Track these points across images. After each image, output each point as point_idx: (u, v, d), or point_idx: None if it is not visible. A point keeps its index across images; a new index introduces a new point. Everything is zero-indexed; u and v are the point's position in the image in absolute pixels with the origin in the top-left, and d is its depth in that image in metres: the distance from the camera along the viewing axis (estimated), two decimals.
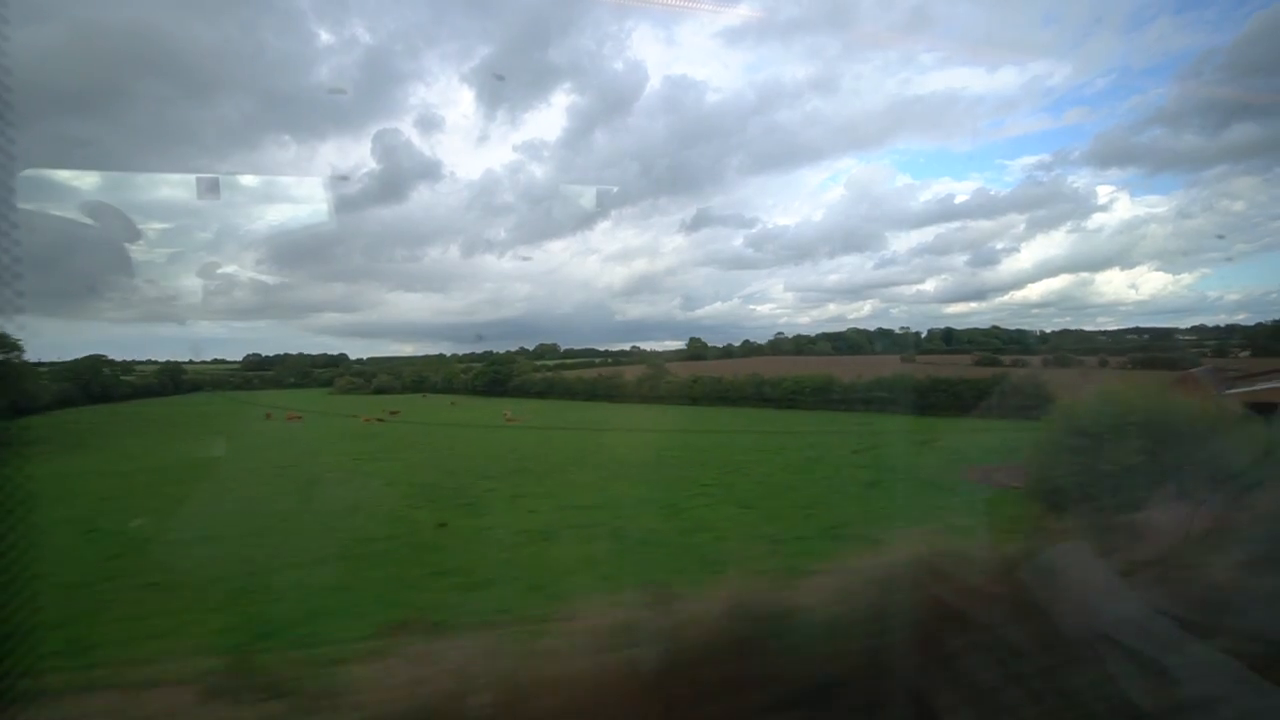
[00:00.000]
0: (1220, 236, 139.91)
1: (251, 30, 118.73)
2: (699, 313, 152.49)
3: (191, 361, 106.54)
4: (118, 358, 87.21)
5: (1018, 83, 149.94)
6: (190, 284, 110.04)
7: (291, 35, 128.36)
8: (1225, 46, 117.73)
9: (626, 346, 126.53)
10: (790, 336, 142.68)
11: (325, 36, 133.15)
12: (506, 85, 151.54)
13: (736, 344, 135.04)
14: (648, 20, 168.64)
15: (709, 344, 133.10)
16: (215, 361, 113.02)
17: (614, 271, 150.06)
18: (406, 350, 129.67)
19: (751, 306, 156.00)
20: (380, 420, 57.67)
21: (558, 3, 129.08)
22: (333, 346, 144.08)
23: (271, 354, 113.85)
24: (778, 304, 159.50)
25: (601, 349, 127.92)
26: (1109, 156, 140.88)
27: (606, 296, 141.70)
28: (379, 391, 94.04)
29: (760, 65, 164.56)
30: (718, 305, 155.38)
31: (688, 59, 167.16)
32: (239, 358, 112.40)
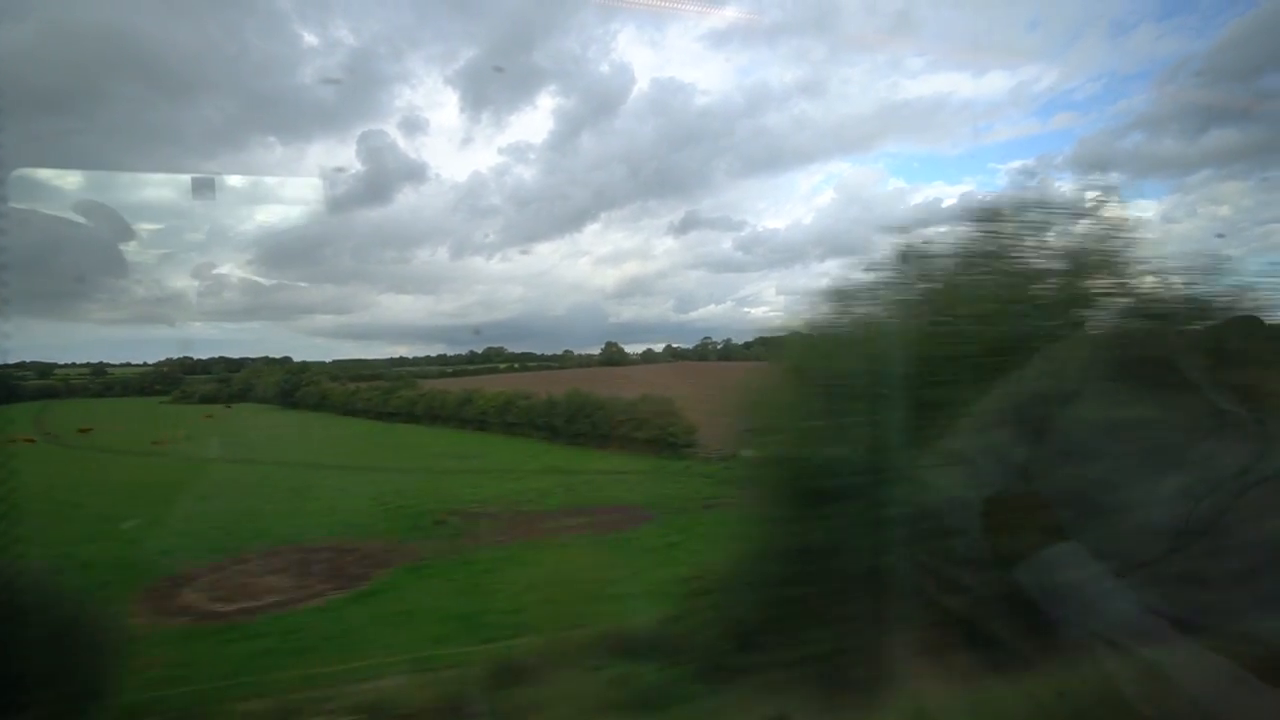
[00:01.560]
0: (1220, 235, 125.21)
1: (235, 32, 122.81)
2: (693, 315, 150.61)
3: (106, 365, 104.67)
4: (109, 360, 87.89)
5: (1006, 87, 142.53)
6: (179, 285, 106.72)
7: (275, 37, 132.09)
8: (1202, 53, 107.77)
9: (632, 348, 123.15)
10: (719, 343, 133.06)
11: (309, 38, 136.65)
12: (491, 87, 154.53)
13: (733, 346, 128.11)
14: (633, 23, 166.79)
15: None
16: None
17: (605, 274, 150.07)
18: (400, 352, 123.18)
19: (746, 309, 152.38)
20: (30, 441, 52.19)
21: (541, 5, 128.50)
22: (326, 348, 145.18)
23: (261, 357, 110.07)
24: (771, 307, 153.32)
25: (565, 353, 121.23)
26: (1091, 162, 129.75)
27: (599, 298, 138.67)
28: (204, 400, 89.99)
29: (748, 68, 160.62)
30: (712, 308, 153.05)
31: (675, 62, 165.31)
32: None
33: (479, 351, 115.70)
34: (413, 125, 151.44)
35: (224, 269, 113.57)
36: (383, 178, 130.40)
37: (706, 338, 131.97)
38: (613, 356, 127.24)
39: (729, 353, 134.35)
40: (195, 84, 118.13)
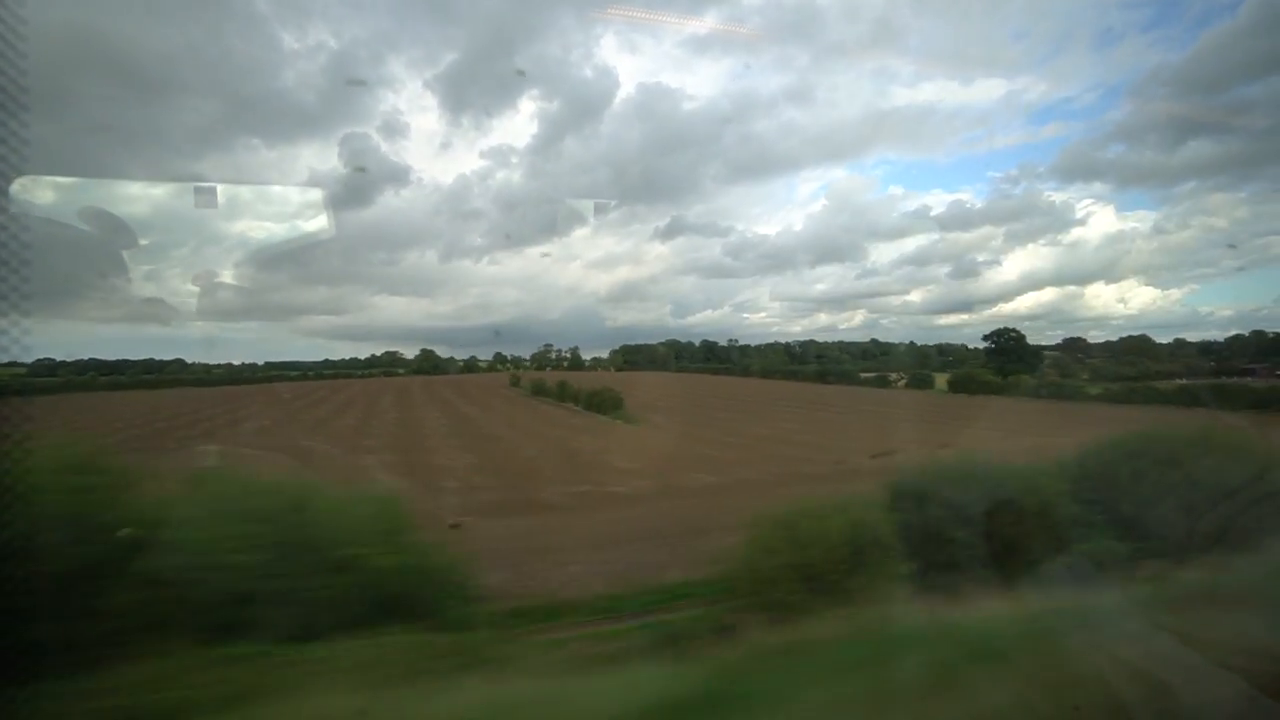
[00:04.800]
0: (1232, 245, 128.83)
1: (216, 35, 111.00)
2: (690, 320, 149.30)
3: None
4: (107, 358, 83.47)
5: (996, 96, 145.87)
6: (172, 286, 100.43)
7: (256, 40, 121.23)
8: (1174, 64, 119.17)
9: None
10: (552, 350, 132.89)
11: (290, 41, 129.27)
12: (472, 91, 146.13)
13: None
14: (615, 28, 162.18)
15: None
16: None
17: (598, 278, 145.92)
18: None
19: (744, 315, 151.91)
20: None
21: (521, 9, 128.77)
22: (322, 349, 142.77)
23: (261, 360, 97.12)
24: (768, 313, 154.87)
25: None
26: (1073, 171, 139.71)
27: (594, 302, 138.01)
28: None
29: (736, 74, 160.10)
30: (709, 313, 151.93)
31: (660, 67, 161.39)
32: (233, 360, 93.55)
33: (378, 355, 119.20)
34: (394, 129, 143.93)
35: (213, 269, 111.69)
36: (366, 180, 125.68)
37: (547, 344, 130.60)
38: (434, 363, 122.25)
39: (576, 362, 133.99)
40: (176, 86, 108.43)
